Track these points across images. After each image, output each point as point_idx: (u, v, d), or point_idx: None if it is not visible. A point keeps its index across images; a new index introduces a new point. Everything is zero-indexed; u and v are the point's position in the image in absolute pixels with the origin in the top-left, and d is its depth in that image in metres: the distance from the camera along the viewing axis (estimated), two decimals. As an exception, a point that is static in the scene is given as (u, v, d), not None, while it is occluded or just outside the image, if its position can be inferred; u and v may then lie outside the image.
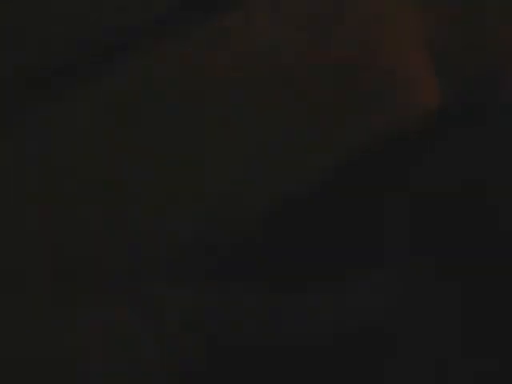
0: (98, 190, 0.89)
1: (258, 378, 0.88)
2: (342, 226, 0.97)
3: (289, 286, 0.92)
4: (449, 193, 0.98)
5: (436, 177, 1.01)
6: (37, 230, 0.86)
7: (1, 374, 0.81)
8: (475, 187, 0.98)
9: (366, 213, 0.98)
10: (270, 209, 0.96)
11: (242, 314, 0.90)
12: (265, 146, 0.94)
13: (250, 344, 0.89)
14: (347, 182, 0.99)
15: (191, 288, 0.91)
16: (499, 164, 1.00)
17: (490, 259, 0.94)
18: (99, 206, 0.89)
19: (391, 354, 0.90)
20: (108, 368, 0.84)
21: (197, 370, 0.87)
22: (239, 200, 0.94)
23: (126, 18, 0.90)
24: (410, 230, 0.97)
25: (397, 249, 0.96)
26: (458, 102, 1.05)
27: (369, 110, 0.99)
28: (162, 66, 0.91)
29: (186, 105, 0.92)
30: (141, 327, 0.86)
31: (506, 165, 1.00)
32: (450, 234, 0.96)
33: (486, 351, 0.91)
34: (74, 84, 0.88)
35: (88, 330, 0.85)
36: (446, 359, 0.90)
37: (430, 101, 1.02)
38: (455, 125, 1.04)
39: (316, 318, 0.91)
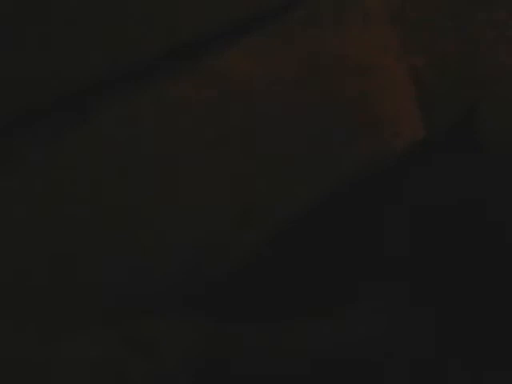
0: (95, 226, 0.90)
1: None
2: (326, 260, 0.98)
3: (279, 320, 0.93)
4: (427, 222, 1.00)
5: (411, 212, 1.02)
6: (33, 260, 0.87)
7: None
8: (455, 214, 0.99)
9: (349, 246, 0.99)
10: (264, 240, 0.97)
11: (241, 351, 0.91)
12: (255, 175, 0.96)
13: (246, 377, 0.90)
14: (330, 218, 1.00)
15: (189, 324, 0.91)
16: (482, 188, 1.01)
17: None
18: (95, 240, 0.90)
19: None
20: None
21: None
22: (234, 235, 0.95)
23: (114, 61, 0.91)
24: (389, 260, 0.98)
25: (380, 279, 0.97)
26: (443, 134, 1.06)
27: (356, 141, 1.00)
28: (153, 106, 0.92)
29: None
30: (131, 364, 0.86)
31: (489, 189, 1.01)
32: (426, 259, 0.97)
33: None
34: (75, 121, 0.89)
35: (75, 364, 0.85)
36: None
37: (414, 133, 1.03)
38: (440, 153, 1.05)
39: (305, 350, 0.92)
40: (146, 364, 0.86)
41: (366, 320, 0.93)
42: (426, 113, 1.05)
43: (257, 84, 0.96)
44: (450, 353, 0.92)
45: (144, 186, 0.92)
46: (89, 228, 0.90)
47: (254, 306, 0.95)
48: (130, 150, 0.91)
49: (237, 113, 0.95)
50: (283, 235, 0.98)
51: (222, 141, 0.95)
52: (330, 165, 0.99)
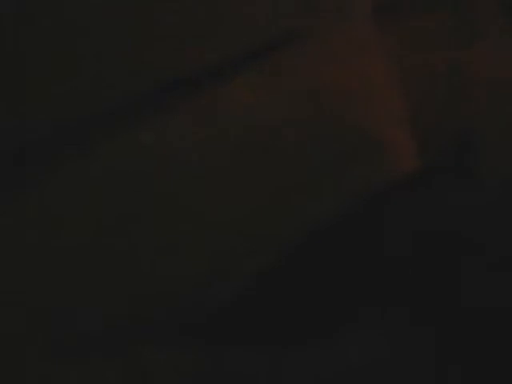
0: (94, 255, 0.90)
1: None
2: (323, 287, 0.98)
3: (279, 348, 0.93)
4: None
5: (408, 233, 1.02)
6: (29, 289, 0.87)
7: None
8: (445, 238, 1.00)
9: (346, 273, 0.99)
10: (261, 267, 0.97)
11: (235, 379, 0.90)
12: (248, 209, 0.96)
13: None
14: (328, 244, 1.00)
15: (185, 351, 0.91)
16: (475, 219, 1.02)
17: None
18: (91, 266, 0.90)
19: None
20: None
21: None
22: (233, 260, 0.95)
23: (115, 94, 0.91)
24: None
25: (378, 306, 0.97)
26: (435, 164, 1.07)
27: (345, 174, 1.00)
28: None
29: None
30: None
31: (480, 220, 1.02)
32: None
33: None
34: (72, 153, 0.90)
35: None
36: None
37: (406, 164, 1.04)
38: (432, 183, 1.06)
39: (304, 378, 0.91)
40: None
41: (365, 346, 0.93)
42: (421, 141, 1.06)
43: (256, 118, 0.97)
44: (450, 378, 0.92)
45: (144, 219, 0.92)
46: (87, 256, 0.90)
47: (254, 330, 0.95)
48: (129, 185, 0.92)
49: (238, 147, 0.96)
50: (285, 259, 0.98)
51: (224, 174, 0.95)
52: (327, 194, 0.99)
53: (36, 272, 0.87)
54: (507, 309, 0.97)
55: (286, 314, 0.96)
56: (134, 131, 0.92)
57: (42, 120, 0.89)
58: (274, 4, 0.97)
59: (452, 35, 1.11)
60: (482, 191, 1.04)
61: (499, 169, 1.07)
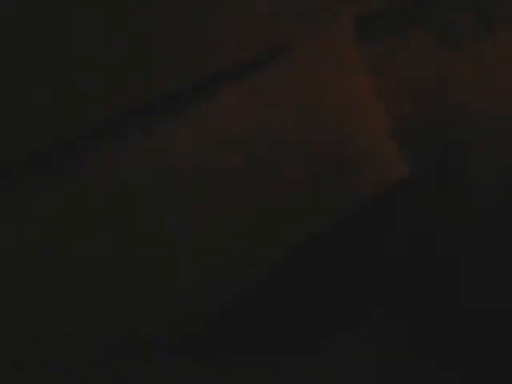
0: (93, 270, 0.90)
1: None
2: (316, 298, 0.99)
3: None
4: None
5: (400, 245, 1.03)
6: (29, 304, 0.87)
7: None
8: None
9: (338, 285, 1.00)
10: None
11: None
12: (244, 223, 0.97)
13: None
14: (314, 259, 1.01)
15: (180, 367, 0.91)
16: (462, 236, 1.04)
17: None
18: (91, 275, 0.89)
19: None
20: None
21: None
22: (226, 275, 0.96)
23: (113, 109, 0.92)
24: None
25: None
26: (421, 174, 1.08)
27: (341, 182, 1.02)
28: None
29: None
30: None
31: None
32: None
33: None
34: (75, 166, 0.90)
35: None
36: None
37: (392, 175, 1.05)
38: (418, 194, 1.08)
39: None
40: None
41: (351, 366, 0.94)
42: (407, 152, 1.07)
43: (245, 131, 0.97)
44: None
45: (143, 235, 0.92)
46: (87, 265, 0.90)
47: (246, 341, 0.95)
48: (127, 194, 0.92)
49: (235, 161, 0.96)
50: (280, 271, 0.99)
51: (222, 189, 0.96)
52: (316, 205, 1.01)
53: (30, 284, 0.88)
54: (505, 309, 0.98)
55: (281, 323, 0.96)
56: (128, 142, 0.93)
57: (42, 127, 0.89)
58: (260, 18, 0.98)
59: (436, 47, 1.13)
60: (467, 199, 1.06)
61: (484, 177, 1.08)
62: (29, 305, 0.87)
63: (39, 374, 0.86)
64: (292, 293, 0.99)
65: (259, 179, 0.97)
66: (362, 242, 1.03)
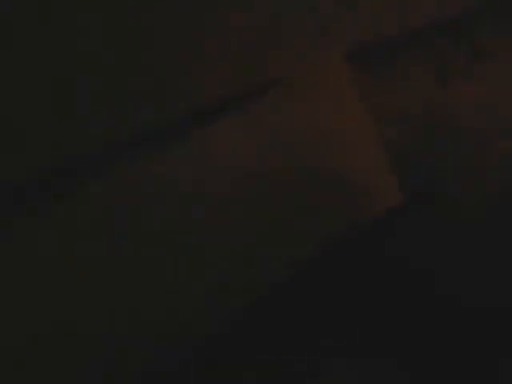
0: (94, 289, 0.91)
1: None
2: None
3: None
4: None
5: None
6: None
7: None
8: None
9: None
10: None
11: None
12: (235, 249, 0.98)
13: None
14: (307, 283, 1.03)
15: None
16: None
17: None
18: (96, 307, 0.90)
19: None
20: None
21: None
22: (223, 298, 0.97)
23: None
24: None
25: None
26: (416, 199, 1.09)
27: (334, 210, 1.03)
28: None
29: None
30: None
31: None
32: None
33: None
34: (74, 186, 0.90)
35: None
36: None
37: (386, 202, 1.06)
38: (414, 218, 1.09)
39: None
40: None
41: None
42: (399, 178, 1.08)
43: (238, 160, 0.98)
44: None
45: (146, 256, 0.93)
46: (86, 295, 0.91)
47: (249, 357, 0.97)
48: (127, 220, 0.92)
49: (224, 188, 0.97)
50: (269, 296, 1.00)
51: (214, 214, 0.97)
52: (310, 231, 1.02)
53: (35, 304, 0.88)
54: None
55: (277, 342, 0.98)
56: (124, 169, 0.93)
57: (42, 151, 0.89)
58: (251, 51, 0.98)
59: (426, 79, 1.13)
60: (457, 221, 1.07)
61: (472, 201, 1.09)
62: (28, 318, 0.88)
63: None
64: (287, 315, 1.01)
65: (256, 207, 0.98)
66: (354, 267, 1.05)
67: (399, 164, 1.08)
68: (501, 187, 1.10)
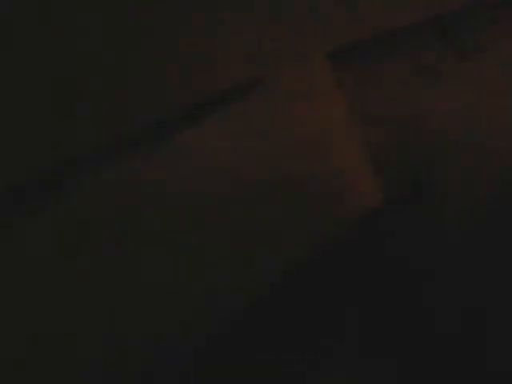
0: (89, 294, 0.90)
1: None
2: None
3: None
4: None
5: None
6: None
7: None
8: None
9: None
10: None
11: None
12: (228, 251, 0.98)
13: None
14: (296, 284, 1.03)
15: None
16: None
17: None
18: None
19: None
20: None
21: None
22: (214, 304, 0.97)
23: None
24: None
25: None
26: (396, 199, 1.10)
27: (318, 212, 1.03)
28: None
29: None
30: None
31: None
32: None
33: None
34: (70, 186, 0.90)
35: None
36: None
37: (367, 202, 1.07)
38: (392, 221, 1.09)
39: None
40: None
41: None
42: (381, 179, 1.09)
43: (221, 161, 0.98)
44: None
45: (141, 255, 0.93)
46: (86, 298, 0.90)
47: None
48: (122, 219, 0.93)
49: (220, 187, 0.97)
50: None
51: (209, 214, 0.97)
52: (295, 236, 1.02)
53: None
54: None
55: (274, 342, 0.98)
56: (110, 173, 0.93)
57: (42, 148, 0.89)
58: (236, 49, 0.99)
59: (411, 76, 1.14)
60: (438, 223, 1.08)
61: (455, 203, 1.10)
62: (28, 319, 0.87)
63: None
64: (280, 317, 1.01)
65: (241, 205, 0.99)
66: (340, 270, 1.05)
67: (378, 164, 1.09)
68: (491, 186, 1.11)
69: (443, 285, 1.03)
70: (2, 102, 0.85)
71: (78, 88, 0.89)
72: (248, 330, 0.99)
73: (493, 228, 1.08)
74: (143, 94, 0.93)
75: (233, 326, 0.98)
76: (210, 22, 0.95)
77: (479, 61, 1.17)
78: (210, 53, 0.96)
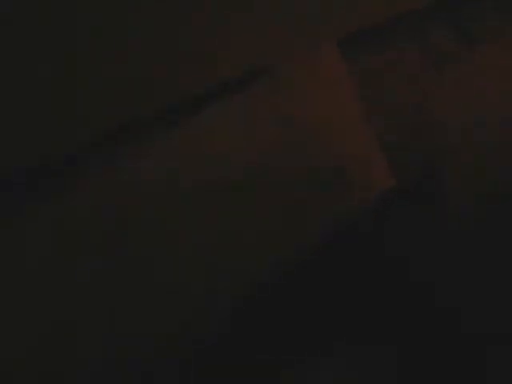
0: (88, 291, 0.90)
1: None
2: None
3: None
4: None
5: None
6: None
7: None
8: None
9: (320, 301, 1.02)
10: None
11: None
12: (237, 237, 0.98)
13: None
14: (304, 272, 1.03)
15: None
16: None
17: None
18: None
19: None
20: None
21: None
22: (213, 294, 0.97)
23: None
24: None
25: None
26: (407, 185, 1.10)
27: (331, 196, 1.03)
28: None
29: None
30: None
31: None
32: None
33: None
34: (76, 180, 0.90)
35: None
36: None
37: (379, 187, 1.06)
38: (405, 204, 1.09)
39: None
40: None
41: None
42: (392, 165, 1.08)
43: (230, 149, 0.98)
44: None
45: (142, 249, 0.93)
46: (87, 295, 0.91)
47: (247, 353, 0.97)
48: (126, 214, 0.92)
49: (225, 175, 0.97)
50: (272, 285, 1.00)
51: (213, 203, 0.97)
52: (307, 220, 1.01)
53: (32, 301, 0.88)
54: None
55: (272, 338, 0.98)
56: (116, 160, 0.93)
57: (43, 138, 0.89)
58: (247, 40, 0.98)
59: (418, 65, 1.14)
60: (444, 213, 1.08)
61: (462, 191, 1.10)
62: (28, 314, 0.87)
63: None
64: (286, 306, 1.01)
65: (249, 193, 0.98)
66: (350, 256, 1.05)
67: (388, 151, 1.08)
68: (498, 183, 1.10)
69: (443, 283, 1.03)
70: (2, 102, 0.86)
71: (78, 80, 0.89)
72: (248, 329, 0.99)
73: (496, 225, 1.08)
74: (152, 83, 0.93)
75: (233, 325, 0.98)
76: (219, 6, 0.95)
77: (490, 48, 1.16)
78: (219, 39, 0.96)
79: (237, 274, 0.98)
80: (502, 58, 1.17)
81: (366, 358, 0.97)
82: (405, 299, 1.02)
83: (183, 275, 0.95)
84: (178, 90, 0.95)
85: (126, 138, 0.94)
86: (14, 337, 0.86)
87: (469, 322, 1.00)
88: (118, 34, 0.91)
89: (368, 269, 1.04)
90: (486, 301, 1.01)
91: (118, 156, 0.92)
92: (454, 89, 1.14)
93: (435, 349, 0.98)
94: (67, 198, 0.89)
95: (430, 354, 0.98)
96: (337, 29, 1.05)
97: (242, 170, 0.98)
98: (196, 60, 0.96)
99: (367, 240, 1.06)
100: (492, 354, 0.97)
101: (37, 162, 0.88)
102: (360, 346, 0.98)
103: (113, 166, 0.92)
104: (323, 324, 1.00)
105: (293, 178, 1.01)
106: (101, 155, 0.92)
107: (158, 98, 0.94)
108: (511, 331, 0.98)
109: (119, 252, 0.91)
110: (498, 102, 1.15)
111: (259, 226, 0.99)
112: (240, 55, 0.98)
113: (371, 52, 1.11)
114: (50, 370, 0.88)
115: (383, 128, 1.09)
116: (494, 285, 1.03)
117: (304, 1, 1.01)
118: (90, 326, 0.90)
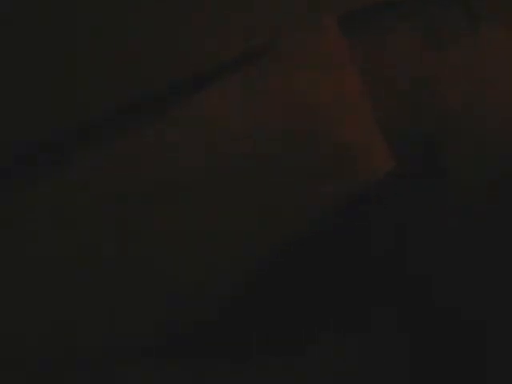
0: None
1: None
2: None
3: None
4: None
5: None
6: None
7: None
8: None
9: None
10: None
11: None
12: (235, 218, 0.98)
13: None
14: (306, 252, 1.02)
15: (167, 372, 0.92)
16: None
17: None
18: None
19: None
20: None
21: None
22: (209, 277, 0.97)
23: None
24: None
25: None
26: (409, 166, 1.09)
27: (332, 177, 1.02)
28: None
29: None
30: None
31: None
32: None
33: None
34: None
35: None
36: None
37: (380, 168, 1.06)
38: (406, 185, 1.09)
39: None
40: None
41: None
42: (393, 146, 1.08)
43: (231, 129, 0.97)
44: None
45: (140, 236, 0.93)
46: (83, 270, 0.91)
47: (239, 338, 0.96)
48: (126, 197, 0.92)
49: (226, 156, 0.97)
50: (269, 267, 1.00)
51: (216, 184, 0.96)
52: (308, 201, 1.01)
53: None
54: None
55: (268, 319, 0.98)
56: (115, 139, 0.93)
57: (41, 124, 0.89)
58: (247, 18, 0.98)
59: (423, 45, 1.13)
60: (451, 191, 1.07)
61: (467, 170, 1.09)
62: (27, 303, 0.87)
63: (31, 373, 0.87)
64: (287, 289, 1.01)
65: (246, 178, 0.98)
66: (351, 237, 1.04)
67: (390, 132, 1.08)
68: (498, 159, 1.10)
69: (442, 273, 1.03)
70: (2, 102, 0.86)
71: (78, 80, 0.89)
72: (235, 318, 0.98)
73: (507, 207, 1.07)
74: (154, 60, 0.93)
75: (221, 315, 0.98)
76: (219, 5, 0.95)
77: (493, 26, 1.16)
78: (221, 17, 0.96)
79: (233, 261, 0.98)
80: (505, 37, 1.16)
81: (354, 346, 0.97)
82: (399, 287, 1.02)
83: (182, 262, 0.94)
84: (182, 66, 0.95)
85: (124, 120, 0.93)
86: (10, 336, 0.86)
87: (468, 310, 0.99)
88: (118, 34, 0.91)
89: (364, 255, 1.04)
90: (485, 288, 1.01)
91: (118, 140, 0.92)
92: (456, 67, 1.13)
93: (427, 337, 0.97)
94: (66, 183, 0.89)
95: (421, 343, 0.97)
96: (338, 6, 1.05)
97: (241, 156, 0.97)
98: (196, 60, 0.96)
99: (364, 226, 1.06)
100: (492, 342, 0.97)
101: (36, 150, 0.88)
102: (347, 335, 0.98)
103: (112, 149, 0.92)
104: (310, 313, 1.00)
105: (293, 161, 1.00)
106: (99, 140, 0.92)
107: (161, 74, 0.94)
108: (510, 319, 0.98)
109: (118, 247, 0.91)
110: (499, 79, 1.15)
111: (257, 211, 0.98)
112: (240, 33, 0.97)
113: (374, 28, 1.11)
114: (50, 361, 0.88)
115: (383, 105, 1.09)
116: (494, 270, 1.02)
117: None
118: (89, 326, 0.90)
